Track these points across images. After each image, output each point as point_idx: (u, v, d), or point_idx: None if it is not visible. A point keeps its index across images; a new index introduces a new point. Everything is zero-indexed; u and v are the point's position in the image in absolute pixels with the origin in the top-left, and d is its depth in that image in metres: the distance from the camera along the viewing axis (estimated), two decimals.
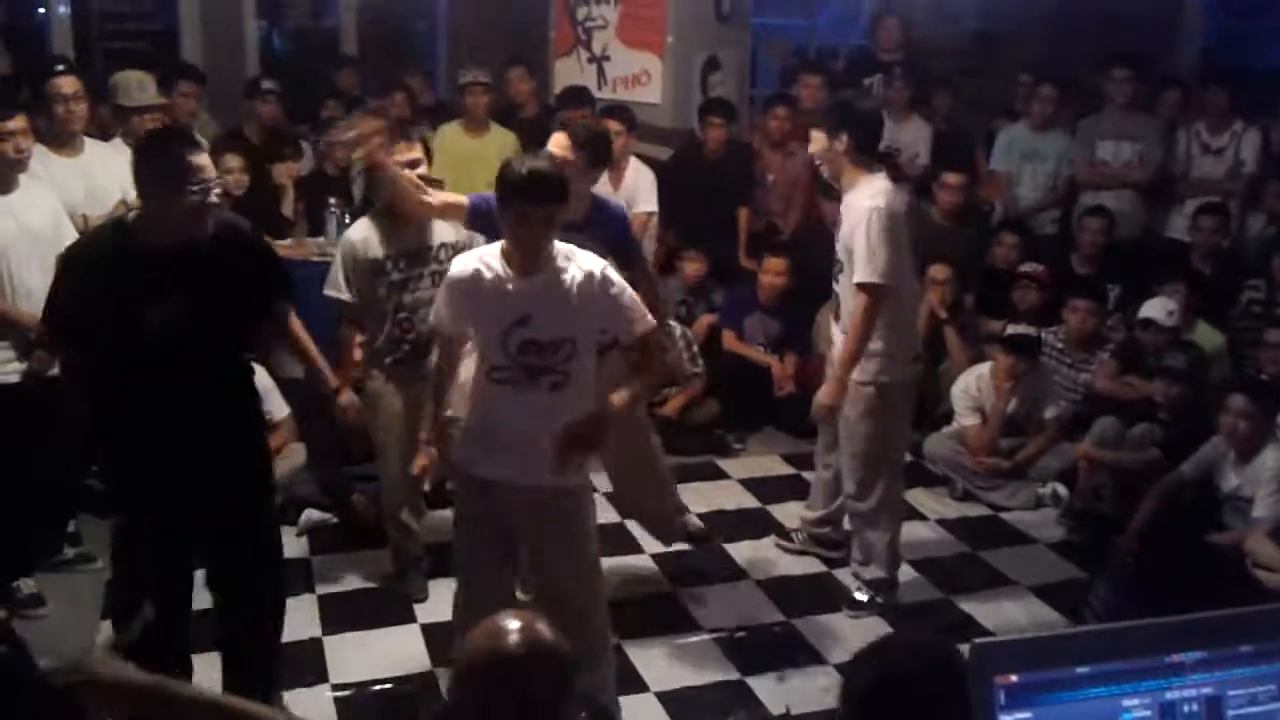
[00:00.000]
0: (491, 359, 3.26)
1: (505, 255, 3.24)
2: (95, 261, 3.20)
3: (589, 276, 3.24)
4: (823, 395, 4.32)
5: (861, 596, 4.49)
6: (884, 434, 4.33)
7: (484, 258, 3.28)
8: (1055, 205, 6.73)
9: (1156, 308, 5.48)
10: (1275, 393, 4.79)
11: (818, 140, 4.25)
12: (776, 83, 7.91)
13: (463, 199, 4.00)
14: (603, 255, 3.55)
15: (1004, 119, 7.16)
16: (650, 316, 3.36)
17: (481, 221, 3.88)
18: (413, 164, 4.11)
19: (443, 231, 4.22)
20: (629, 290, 3.34)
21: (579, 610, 3.35)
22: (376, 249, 4.15)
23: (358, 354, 4.37)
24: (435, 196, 4.04)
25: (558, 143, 3.99)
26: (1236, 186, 6.37)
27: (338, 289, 4.19)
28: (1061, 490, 5.44)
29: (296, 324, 3.62)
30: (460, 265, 3.32)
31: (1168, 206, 6.57)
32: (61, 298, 3.24)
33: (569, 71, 7.16)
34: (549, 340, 3.21)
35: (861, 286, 4.12)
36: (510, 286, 3.20)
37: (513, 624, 1.84)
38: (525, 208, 3.13)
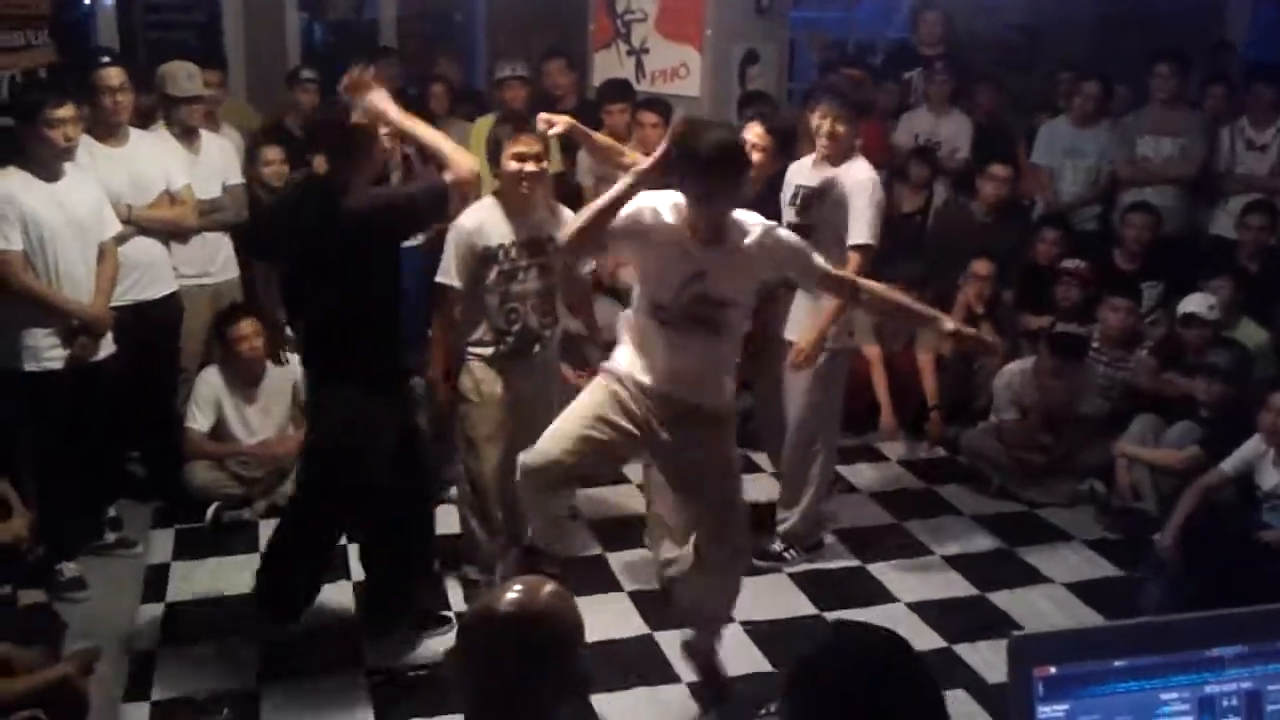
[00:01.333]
0: (658, 300, 3.41)
1: (684, 217, 3.32)
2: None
3: (760, 243, 3.38)
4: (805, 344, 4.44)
5: (777, 547, 4.76)
6: (829, 400, 4.65)
7: (662, 211, 3.34)
8: (1096, 201, 6.67)
9: (1198, 302, 5.42)
10: None
11: (836, 122, 4.41)
12: (815, 76, 7.88)
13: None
14: None
15: (1046, 114, 7.10)
16: (821, 258, 3.54)
17: None
18: (525, 158, 4.06)
19: (553, 225, 4.19)
20: (797, 241, 3.54)
21: (719, 503, 3.55)
22: (490, 236, 4.12)
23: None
24: (629, 155, 4.17)
25: (753, 130, 4.27)
26: None
27: (448, 275, 4.15)
28: (1100, 487, 5.39)
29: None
30: (641, 206, 3.34)
31: (1212, 203, 6.49)
32: None
33: (608, 64, 7.15)
34: (718, 299, 3.37)
35: (858, 248, 4.35)
36: (690, 249, 3.33)
37: (518, 586, 1.89)
38: (713, 180, 3.22)
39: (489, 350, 4.20)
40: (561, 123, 3.99)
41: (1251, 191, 6.24)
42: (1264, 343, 5.61)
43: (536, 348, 4.25)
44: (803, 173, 4.56)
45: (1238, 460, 4.72)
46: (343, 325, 3.77)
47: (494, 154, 4.14)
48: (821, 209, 4.45)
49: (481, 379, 4.22)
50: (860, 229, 4.36)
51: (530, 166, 4.07)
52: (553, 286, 4.27)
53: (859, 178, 4.42)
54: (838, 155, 4.46)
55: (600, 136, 4.29)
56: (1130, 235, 6.16)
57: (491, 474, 4.26)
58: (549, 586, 1.90)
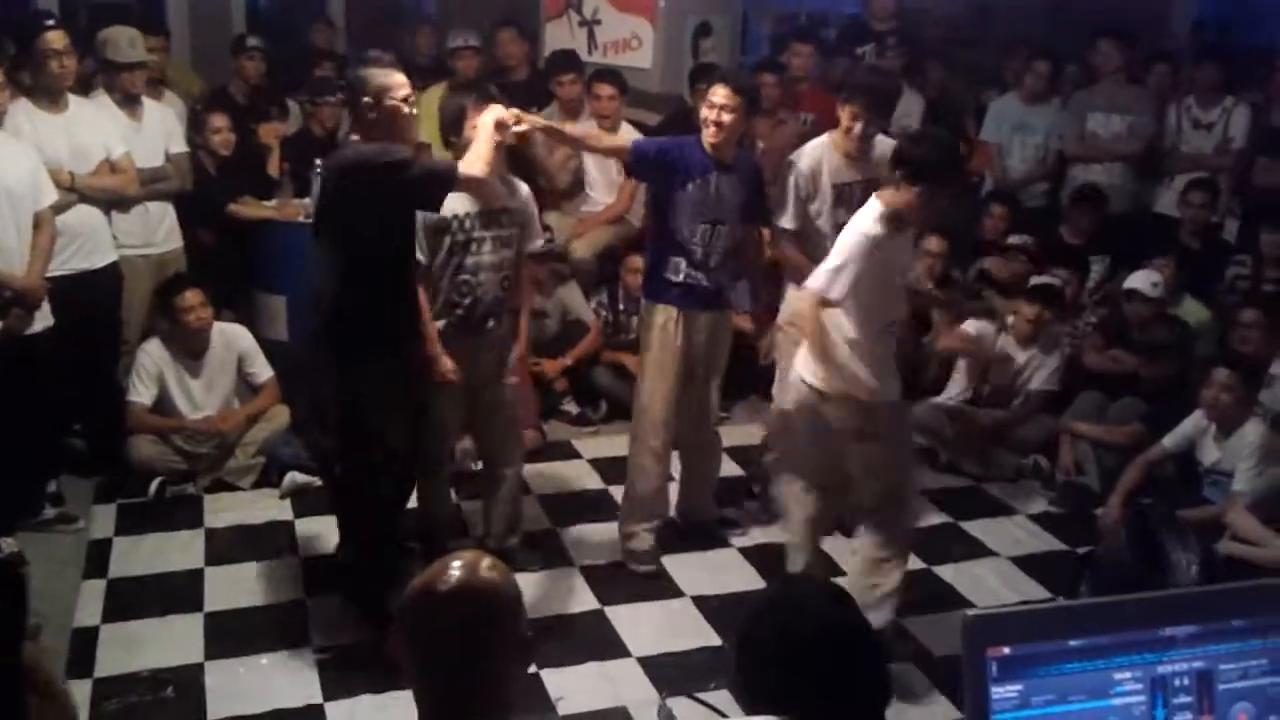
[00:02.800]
0: (890, 316, 3.80)
1: (887, 221, 3.64)
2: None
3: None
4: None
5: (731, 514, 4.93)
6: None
7: (868, 231, 3.66)
8: (1044, 178, 6.73)
9: (1141, 279, 5.48)
10: (1257, 368, 4.82)
11: (869, 125, 4.35)
12: (767, 49, 7.86)
13: (625, 142, 4.38)
14: (742, 199, 4.23)
15: (993, 90, 7.14)
16: None
17: (645, 168, 4.31)
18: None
19: (509, 196, 4.19)
20: None
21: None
22: (447, 207, 4.01)
23: None
24: (604, 138, 4.36)
25: (718, 92, 4.20)
26: (1225, 162, 6.37)
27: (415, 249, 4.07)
28: (1043, 462, 5.46)
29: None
30: (861, 242, 3.66)
31: (1157, 181, 6.57)
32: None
33: (559, 34, 7.09)
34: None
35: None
36: (898, 249, 3.73)
37: (456, 562, 1.88)
38: (950, 185, 3.75)
39: (439, 323, 4.15)
40: (529, 123, 3.97)
41: (1197, 170, 6.32)
42: (1205, 320, 5.70)
43: (490, 323, 4.21)
44: (837, 171, 4.40)
45: (1179, 436, 4.80)
46: (373, 290, 3.71)
47: (455, 123, 4.08)
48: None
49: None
50: None
51: (499, 139, 4.00)
52: (509, 260, 4.21)
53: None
54: (868, 148, 4.38)
55: (573, 128, 4.30)
56: (1076, 217, 6.23)
57: (440, 444, 4.31)
58: (485, 560, 1.90)
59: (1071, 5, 7.86)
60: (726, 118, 4.17)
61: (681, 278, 4.29)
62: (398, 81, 3.78)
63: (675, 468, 4.73)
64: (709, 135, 4.22)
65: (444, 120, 4.17)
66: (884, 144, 4.38)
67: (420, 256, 4.06)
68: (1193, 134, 6.43)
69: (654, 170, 4.30)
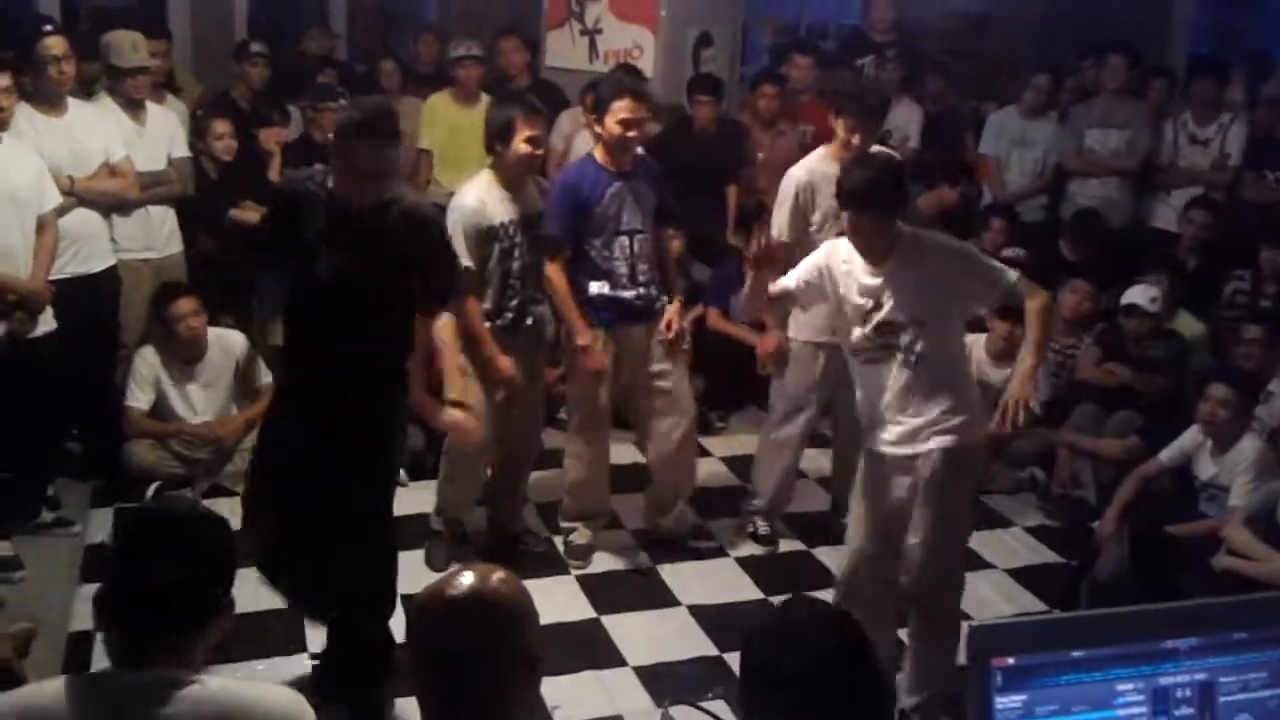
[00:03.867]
0: (853, 341, 3.51)
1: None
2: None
3: (942, 257, 3.46)
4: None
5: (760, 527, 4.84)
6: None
7: (837, 247, 3.55)
8: (1042, 192, 6.75)
9: (1140, 294, 5.49)
10: (1254, 384, 4.83)
11: (866, 138, 4.33)
12: (767, 60, 7.88)
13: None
14: (650, 203, 4.24)
15: (991, 103, 7.16)
16: (1010, 270, 3.57)
17: (574, 227, 4.29)
18: (537, 142, 4.16)
19: (541, 201, 4.30)
20: (979, 255, 3.65)
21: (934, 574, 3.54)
22: (493, 215, 4.15)
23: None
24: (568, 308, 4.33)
25: (625, 107, 4.16)
26: (1222, 178, 6.39)
27: (464, 256, 4.08)
28: (1040, 475, 5.47)
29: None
30: (818, 256, 3.61)
31: (1153, 196, 6.59)
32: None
33: (560, 43, 7.10)
34: (904, 320, 3.42)
35: None
36: (864, 277, 3.46)
37: (465, 574, 1.87)
38: (857, 215, 3.39)
39: (488, 325, 4.23)
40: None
41: (1194, 185, 6.35)
42: (1200, 334, 5.71)
43: (529, 320, 4.33)
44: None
45: (1175, 451, 4.81)
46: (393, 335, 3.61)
47: (503, 134, 4.14)
48: None
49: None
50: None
51: (540, 151, 4.20)
52: (541, 262, 4.31)
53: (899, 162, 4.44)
54: None
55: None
56: (1076, 236, 6.23)
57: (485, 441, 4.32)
58: (498, 573, 1.90)
59: (1069, 17, 7.89)
60: (633, 133, 4.22)
61: (606, 295, 4.32)
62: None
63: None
64: (611, 153, 4.25)
65: (490, 131, 4.20)
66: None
67: (471, 263, 4.12)
68: (1189, 149, 6.46)
69: (575, 218, 4.27)
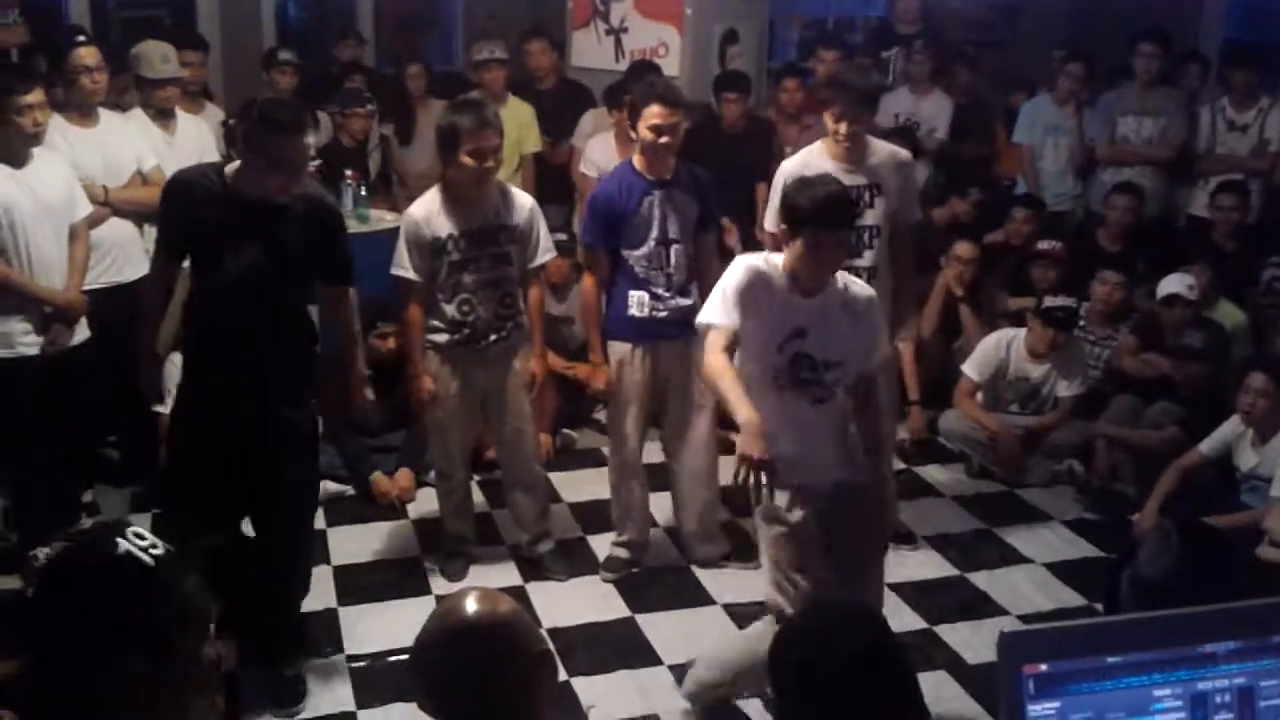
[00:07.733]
0: (767, 362, 3.33)
1: (790, 271, 3.29)
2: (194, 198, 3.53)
3: (864, 302, 3.36)
4: None
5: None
6: None
7: (770, 263, 3.33)
8: (1075, 173, 6.67)
9: (1178, 283, 5.42)
10: None
11: (853, 124, 4.23)
12: (794, 55, 7.84)
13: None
14: (692, 213, 4.15)
15: (1021, 94, 7.10)
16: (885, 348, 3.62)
17: (605, 237, 4.26)
18: (485, 154, 4.02)
19: (505, 214, 4.17)
20: (884, 328, 3.61)
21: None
22: (439, 227, 4.08)
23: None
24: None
25: (656, 113, 4.08)
26: (1262, 164, 6.30)
27: (403, 268, 4.11)
28: (1078, 468, 5.41)
29: (350, 303, 3.85)
30: (745, 266, 3.32)
31: (1191, 183, 6.51)
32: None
33: (586, 43, 7.09)
34: (821, 359, 3.30)
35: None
36: (792, 301, 3.29)
37: (470, 599, 1.86)
38: (821, 233, 3.21)
39: (443, 339, 4.19)
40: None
41: (1232, 172, 6.25)
42: (1241, 323, 5.63)
43: (492, 337, 4.21)
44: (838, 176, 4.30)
45: (1216, 441, 4.75)
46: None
47: (448, 145, 4.03)
48: (887, 200, 4.33)
49: (437, 372, 4.23)
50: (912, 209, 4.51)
51: (490, 164, 4.04)
52: (508, 276, 4.21)
53: (902, 157, 4.41)
54: (861, 150, 4.30)
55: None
56: (1114, 217, 6.16)
57: (451, 460, 4.41)
58: (470, 595, 1.88)
59: (1100, 7, 7.80)
60: (665, 139, 4.12)
61: (646, 312, 4.23)
62: None
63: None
64: (645, 160, 4.18)
65: (437, 139, 4.15)
66: (881, 148, 4.37)
67: (413, 275, 4.10)
68: (1227, 135, 6.36)
69: (611, 228, 4.22)
